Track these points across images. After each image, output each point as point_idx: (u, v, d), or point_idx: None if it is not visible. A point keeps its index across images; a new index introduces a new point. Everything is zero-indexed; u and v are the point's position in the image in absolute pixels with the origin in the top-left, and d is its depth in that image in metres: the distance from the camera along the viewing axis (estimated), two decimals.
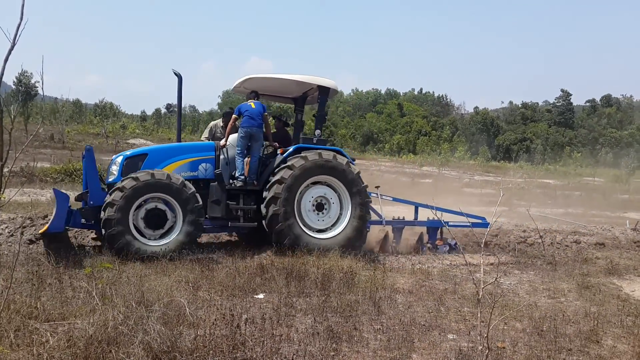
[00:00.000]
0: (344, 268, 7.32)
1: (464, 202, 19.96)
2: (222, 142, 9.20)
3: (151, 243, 8.06)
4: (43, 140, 34.44)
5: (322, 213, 9.18)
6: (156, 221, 8.18)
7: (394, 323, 5.25)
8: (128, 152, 9.11)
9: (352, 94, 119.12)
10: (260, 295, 6.19)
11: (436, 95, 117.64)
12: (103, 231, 7.90)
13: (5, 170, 3.69)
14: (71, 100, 53.08)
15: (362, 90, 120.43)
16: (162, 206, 8.21)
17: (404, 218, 10.57)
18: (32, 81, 42.12)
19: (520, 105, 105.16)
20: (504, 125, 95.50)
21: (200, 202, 8.33)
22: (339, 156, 9.18)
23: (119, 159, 8.76)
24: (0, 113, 3.49)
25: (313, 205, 9.10)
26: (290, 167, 8.77)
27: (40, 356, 3.72)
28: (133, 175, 8.15)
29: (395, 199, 11.02)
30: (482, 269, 4.10)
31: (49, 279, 5.79)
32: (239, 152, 8.99)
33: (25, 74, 42.50)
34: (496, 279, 4.69)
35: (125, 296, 4.97)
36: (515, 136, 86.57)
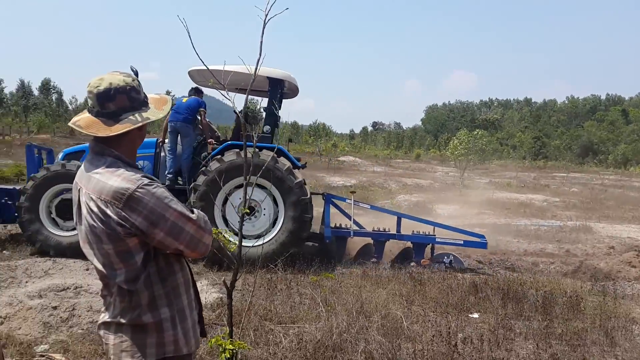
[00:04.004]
0: (567, 292, 6.75)
1: None
2: (161, 138, 8.84)
3: (60, 233, 8.07)
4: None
5: (254, 217, 8.20)
6: (70, 212, 8.00)
7: (632, 357, 4.67)
8: (69, 149, 9.24)
9: (566, 101, 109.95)
10: (475, 315, 6.01)
11: None
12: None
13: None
14: (289, 122, 58.37)
15: (577, 97, 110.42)
16: None
17: (388, 230, 9.05)
18: (258, 107, 47.25)
19: None
20: None
21: None
22: (264, 153, 8.04)
23: (60, 155, 9.00)
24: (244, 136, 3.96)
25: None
26: (204, 173, 8.04)
27: (275, 355, 4.13)
28: (46, 166, 8.38)
29: (373, 207, 9.61)
30: None
31: (279, 285, 6.41)
32: (168, 148, 8.61)
33: (252, 100, 47.83)
34: None
35: (346, 305, 5.25)
36: None
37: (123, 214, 1.78)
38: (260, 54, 3.67)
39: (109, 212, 1.79)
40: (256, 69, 3.71)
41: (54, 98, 78.77)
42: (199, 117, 8.87)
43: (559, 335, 5.21)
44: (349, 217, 9.30)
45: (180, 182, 8.69)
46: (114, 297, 1.90)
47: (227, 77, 8.88)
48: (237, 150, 8.15)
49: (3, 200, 8.75)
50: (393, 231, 9.01)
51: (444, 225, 9.25)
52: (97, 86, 1.88)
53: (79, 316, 5.10)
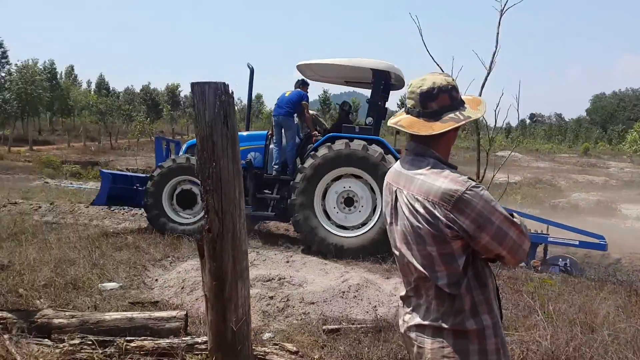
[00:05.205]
0: None
1: None
2: (271, 131, 9.20)
3: (177, 219, 8.82)
4: None
5: (352, 209, 8.41)
6: (187, 201, 8.91)
7: None
8: (191, 141, 9.65)
9: None
10: None
11: None
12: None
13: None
14: None
15: None
16: (195, 189, 8.75)
17: None
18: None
19: None
20: None
21: None
22: (372, 147, 8.18)
23: (184, 147, 9.71)
24: (477, 135, 3.84)
25: (341, 199, 8.42)
26: (312, 157, 8.33)
27: None
28: (173, 157, 9.13)
29: None
30: None
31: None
32: (274, 141, 8.97)
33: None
34: None
35: (567, 315, 4.91)
36: None
37: (451, 215, 1.73)
38: (496, 47, 3.58)
39: (437, 213, 1.74)
40: (491, 61, 3.61)
41: None
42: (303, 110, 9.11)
43: None
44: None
45: (287, 174, 9.04)
46: (429, 299, 1.86)
47: (339, 71, 9.30)
48: (347, 140, 8.30)
49: (135, 186, 9.75)
50: None
51: (556, 223, 8.65)
52: (420, 86, 1.86)
53: (293, 307, 5.34)
